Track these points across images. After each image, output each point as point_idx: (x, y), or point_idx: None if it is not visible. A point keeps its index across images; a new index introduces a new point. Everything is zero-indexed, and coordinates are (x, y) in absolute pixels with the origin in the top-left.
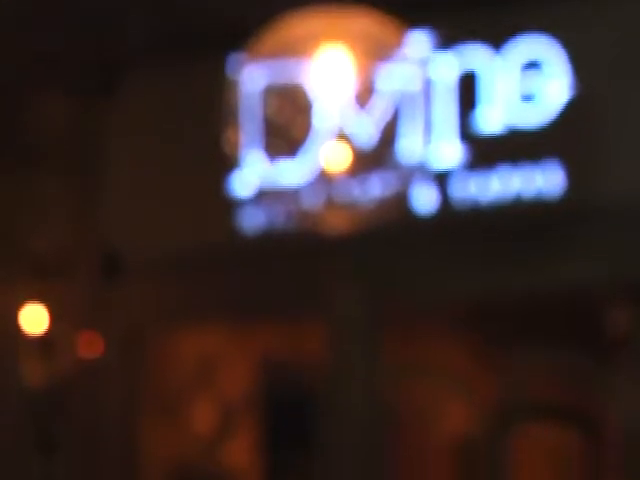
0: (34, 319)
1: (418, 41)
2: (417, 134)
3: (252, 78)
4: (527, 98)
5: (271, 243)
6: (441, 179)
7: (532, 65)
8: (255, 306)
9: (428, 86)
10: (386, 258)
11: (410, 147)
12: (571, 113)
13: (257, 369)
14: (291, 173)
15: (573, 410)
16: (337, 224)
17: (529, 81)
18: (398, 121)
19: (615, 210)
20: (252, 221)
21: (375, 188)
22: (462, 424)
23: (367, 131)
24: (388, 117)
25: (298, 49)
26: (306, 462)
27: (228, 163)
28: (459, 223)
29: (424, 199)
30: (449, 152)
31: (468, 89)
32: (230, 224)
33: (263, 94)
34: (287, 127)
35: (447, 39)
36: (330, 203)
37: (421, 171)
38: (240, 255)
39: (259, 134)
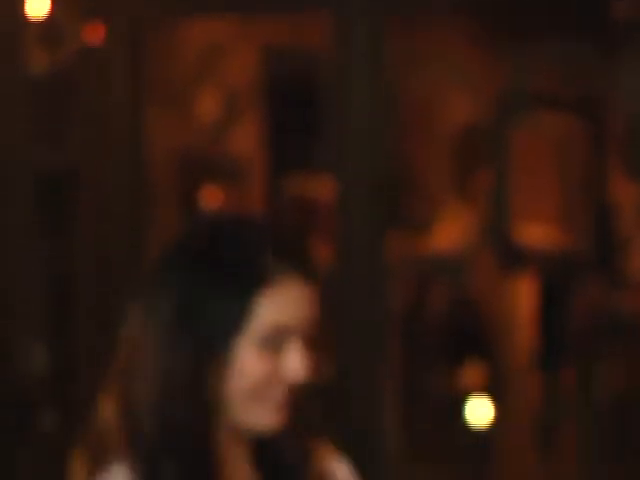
0: (37, 4)
1: None
2: None
3: None
4: None
5: None
6: None
7: None
8: None
9: None
10: None
11: None
12: None
13: (261, 58)
14: None
15: (576, 98)
16: None
17: None
18: None
19: None
20: None
21: None
22: (465, 113)
23: None
24: None
25: None
26: (310, 150)
27: None
28: None
29: None
30: None
31: None
32: None
33: None
34: None
35: None
36: None
37: None
38: None
39: None
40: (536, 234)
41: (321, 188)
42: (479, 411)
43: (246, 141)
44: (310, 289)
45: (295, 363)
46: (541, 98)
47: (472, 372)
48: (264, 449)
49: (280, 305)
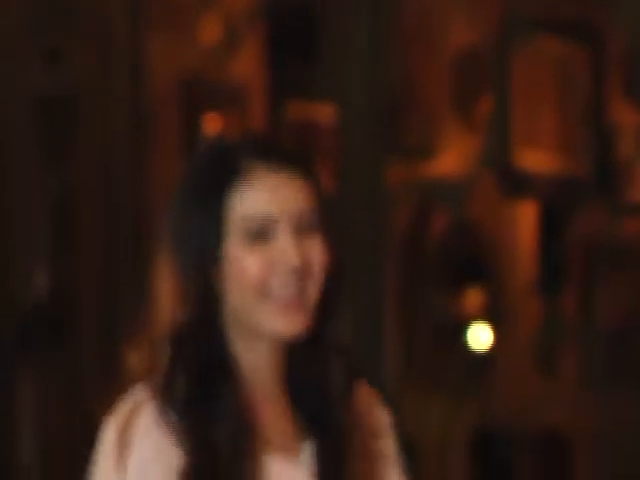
0: None
1: None
2: None
3: None
4: None
5: None
6: None
7: None
8: None
9: None
10: None
11: None
12: None
13: None
14: None
15: (578, 22)
16: None
17: None
18: None
19: None
20: None
21: None
22: (465, 38)
23: None
24: None
25: None
26: (311, 76)
27: None
28: None
29: None
30: None
31: None
32: None
33: None
34: None
35: None
36: None
37: None
38: None
39: None
40: (536, 160)
41: (322, 114)
42: (480, 336)
43: (247, 67)
44: (297, 181)
45: (284, 246)
46: (541, 22)
47: (473, 297)
48: (304, 383)
49: (259, 196)
